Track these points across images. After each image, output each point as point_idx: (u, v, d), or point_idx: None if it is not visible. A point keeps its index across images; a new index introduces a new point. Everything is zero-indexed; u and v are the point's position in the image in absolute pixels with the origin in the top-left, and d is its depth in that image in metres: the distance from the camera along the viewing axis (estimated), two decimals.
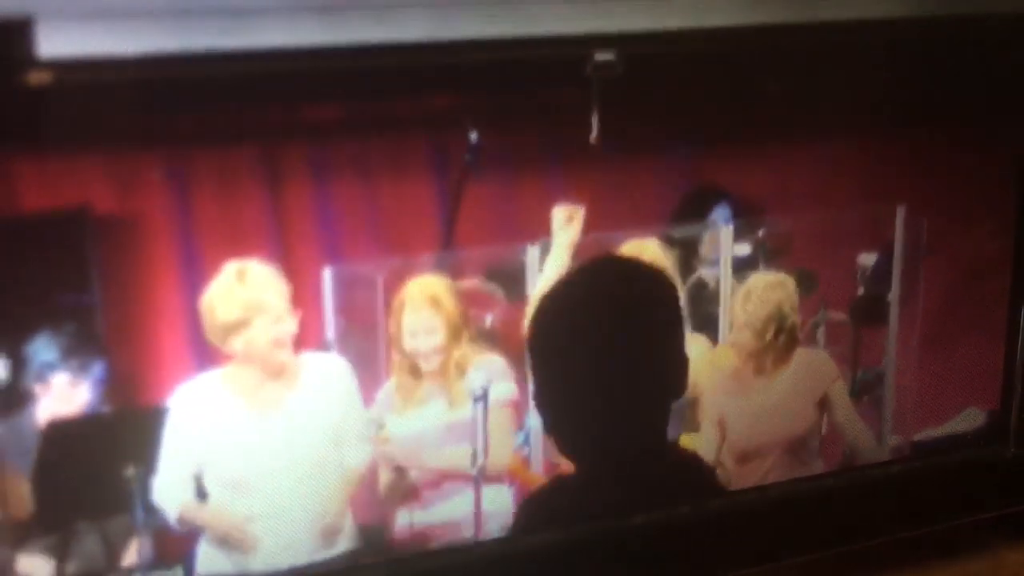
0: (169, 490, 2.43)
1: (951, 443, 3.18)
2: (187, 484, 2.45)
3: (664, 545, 2.69)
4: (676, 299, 1.53)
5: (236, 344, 2.40)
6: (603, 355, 1.50)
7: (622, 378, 1.49)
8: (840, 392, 2.92)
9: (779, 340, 2.84)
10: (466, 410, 2.60)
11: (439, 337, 2.62)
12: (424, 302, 2.59)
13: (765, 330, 2.82)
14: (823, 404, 2.89)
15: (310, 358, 2.53)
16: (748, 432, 2.85)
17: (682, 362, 1.53)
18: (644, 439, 1.57)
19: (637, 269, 1.57)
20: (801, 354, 2.90)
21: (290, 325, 2.44)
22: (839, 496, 2.96)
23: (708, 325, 2.89)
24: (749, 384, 2.86)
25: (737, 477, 2.84)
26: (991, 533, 3.22)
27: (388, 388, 2.66)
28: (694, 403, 2.77)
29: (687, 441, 2.80)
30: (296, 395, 2.51)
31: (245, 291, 2.36)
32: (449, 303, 2.60)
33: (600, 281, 1.64)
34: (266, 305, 2.39)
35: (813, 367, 2.90)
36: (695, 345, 2.78)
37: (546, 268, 2.50)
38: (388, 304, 2.56)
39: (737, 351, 2.85)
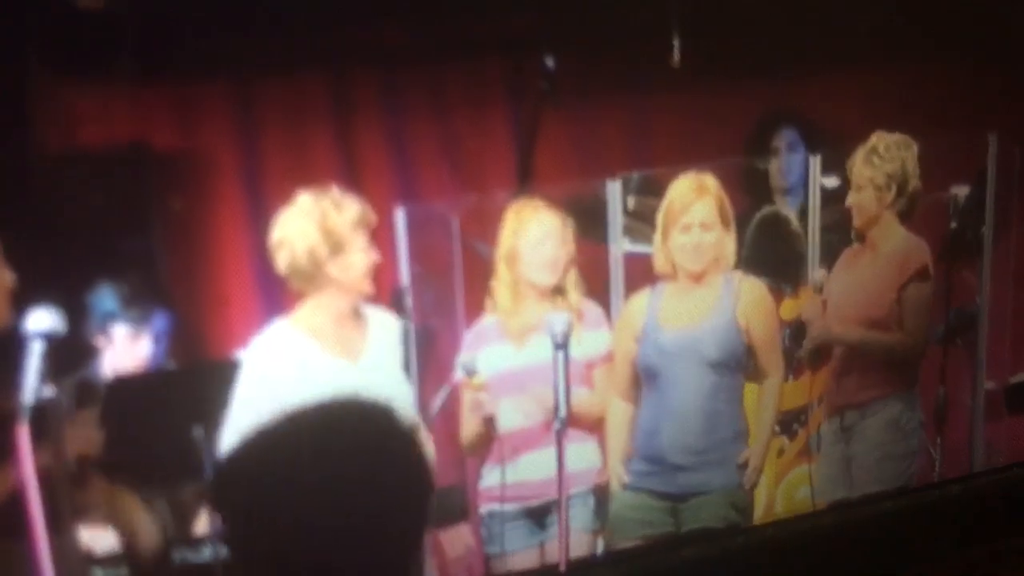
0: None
1: None
2: None
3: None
4: (408, 441, 1.30)
5: (333, 270, 2.24)
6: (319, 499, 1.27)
7: (338, 523, 1.26)
8: (916, 288, 2.74)
9: (897, 204, 2.69)
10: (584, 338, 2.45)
11: (565, 249, 2.45)
12: (551, 211, 2.42)
13: (887, 188, 2.66)
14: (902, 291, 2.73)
15: (371, 312, 2.37)
16: (841, 301, 2.68)
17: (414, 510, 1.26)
18: None
19: (370, 410, 1.33)
20: (903, 235, 2.70)
21: (375, 256, 2.29)
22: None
23: (780, 268, 2.72)
24: (858, 256, 2.69)
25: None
26: None
27: (485, 323, 2.47)
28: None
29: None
30: (368, 341, 2.34)
31: (343, 218, 2.22)
32: (569, 221, 2.45)
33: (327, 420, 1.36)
34: (363, 230, 2.25)
35: (908, 249, 2.70)
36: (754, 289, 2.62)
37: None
38: (489, 226, 2.38)
39: (856, 212, 2.67)
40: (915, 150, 2.66)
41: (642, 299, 2.59)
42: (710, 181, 2.52)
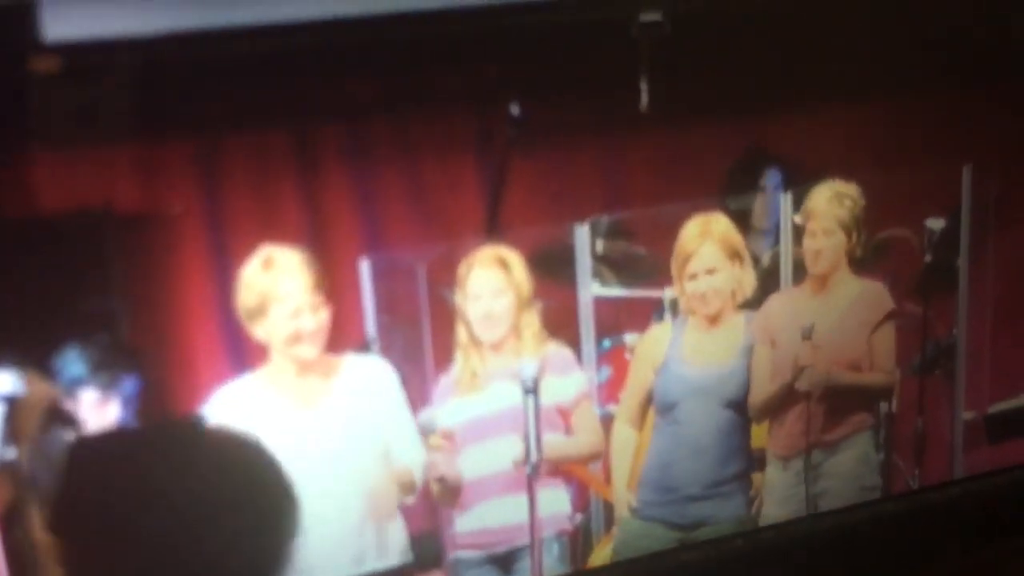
0: None
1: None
2: None
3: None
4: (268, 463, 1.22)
5: (259, 333, 2.24)
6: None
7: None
8: (888, 329, 2.74)
9: (853, 251, 2.65)
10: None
11: (505, 301, 2.44)
12: (492, 262, 2.42)
13: (854, 230, 2.62)
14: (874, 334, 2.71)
15: (352, 359, 2.36)
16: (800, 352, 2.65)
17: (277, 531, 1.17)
18: None
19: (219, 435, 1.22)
20: (860, 283, 2.69)
21: (310, 321, 2.25)
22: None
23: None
24: (808, 304, 2.66)
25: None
26: None
27: (449, 375, 2.48)
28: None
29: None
30: (335, 395, 2.33)
31: (265, 279, 2.20)
32: (518, 267, 2.43)
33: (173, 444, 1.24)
34: (282, 296, 2.21)
35: (871, 296, 2.70)
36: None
37: None
38: (455, 276, 2.40)
39: (814, 256, 2.64)
40: (862, 203, 2.65)
41: (664, 330, 2.61)
42: (715, 223, 2.53)
